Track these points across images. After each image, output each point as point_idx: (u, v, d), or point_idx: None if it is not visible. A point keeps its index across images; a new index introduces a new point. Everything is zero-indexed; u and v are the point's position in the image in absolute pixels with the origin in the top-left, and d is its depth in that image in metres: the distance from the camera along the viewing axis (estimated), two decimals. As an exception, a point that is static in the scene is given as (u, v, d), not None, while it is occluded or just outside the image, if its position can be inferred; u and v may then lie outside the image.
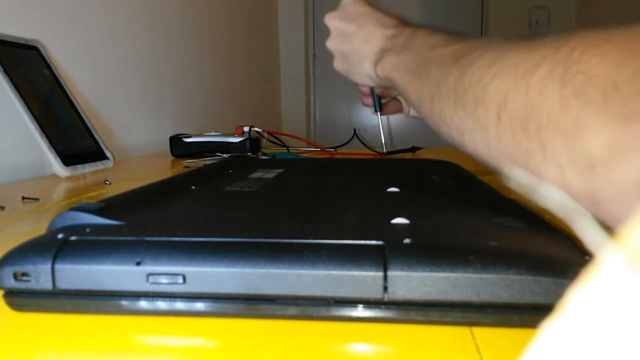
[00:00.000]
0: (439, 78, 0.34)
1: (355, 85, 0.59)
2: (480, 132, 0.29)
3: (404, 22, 0.48)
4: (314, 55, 2.45)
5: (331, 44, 0.54)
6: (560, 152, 0.23)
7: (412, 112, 0.61)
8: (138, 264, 0.21)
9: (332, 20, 0.53)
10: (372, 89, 0.59)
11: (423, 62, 0.38)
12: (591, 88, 0.22)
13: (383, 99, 0.61)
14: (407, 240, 0.21)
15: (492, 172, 0.32)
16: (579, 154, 0.22)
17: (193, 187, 0.37)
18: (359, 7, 0.51)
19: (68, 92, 0.74)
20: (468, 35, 0.38)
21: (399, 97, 0.61)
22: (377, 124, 0.62)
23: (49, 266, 0.21)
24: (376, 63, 0.47)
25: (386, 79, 0.46)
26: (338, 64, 0.55)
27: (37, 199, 0.50)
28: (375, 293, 0.20)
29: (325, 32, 0.55)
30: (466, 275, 0.19)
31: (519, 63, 0.26)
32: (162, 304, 0.21)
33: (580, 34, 0.24)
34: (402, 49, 0.44)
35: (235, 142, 0.85)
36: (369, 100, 0.61)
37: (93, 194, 0.54)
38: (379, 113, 0.60)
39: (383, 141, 0.68)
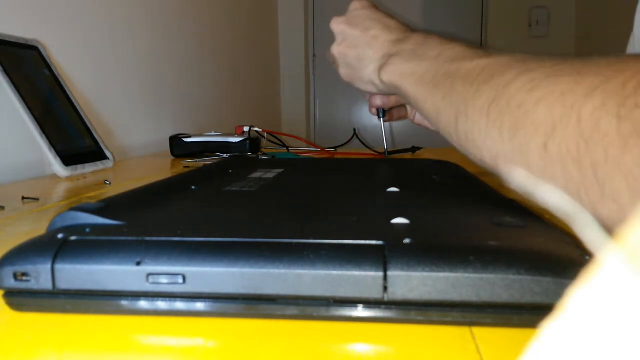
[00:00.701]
0: (465, 96, 0.33)
1: (362, 95, 0.58)
2: (520, 159, 0.27)
3: (411, 28, 0.46)
4: (314, 55, 2.45)
5: (336, 49, 0.53)
6: (622, 192, 0.22)
7: (418, 118, 0.60)
8: (138, 264, 0.21)
9: (338, 25, 0.52)
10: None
11: (443, 75, 0.37)
12: None
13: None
14: (407, 240, 0.21)
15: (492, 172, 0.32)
16: (628, 233, 0.21)
17: (193, 187, 0.37)
18: (366, 12, 0.50)
19: (68, 92, 0.74)
20: (485, 47, 0.38)
21: (405, 105, 0.61)
22: (377, 124, 0.62)
23: (49, 266, 0.21)
24: (380, 68, 0.46)
25: (392, 85, 0.44)
26: (342, 71, 0.53)
27: (37, 199, 0.50)
28: (375, 293, 0.20)
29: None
30: (466, 275, 0.19)
31: (566, 92, 0.25)
32: (162, 304, 0.21)
33: (631, 62, 0.23)
34: (412, 56, 0.42)
35: (235, 142, 0.85)
36: (375, 110, 0.60)
37: (93, 194, 0.54)
38: (382, 120, 0.60)
39: (385, 147, 0.68)
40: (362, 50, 0.49)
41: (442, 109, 0.36)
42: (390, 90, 0.47)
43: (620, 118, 0.22)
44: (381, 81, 0.46)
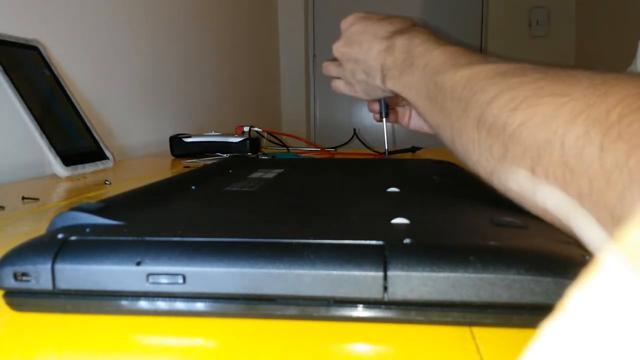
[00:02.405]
0: (455, 111, 0.33)
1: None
2: (512, 178, 0.27)
3: (398, 28, 0.46)
4: (314, 55, 2.45)
5: (346, 69, 0.52)
6: (607, 225, 0.22)
7: (413, 124, 0.59)
8: (138, 264, 0.21)
9: (337, 50, 0.52)
10: None
11: (433, 88, 0.36)
12: (634, 160, 0.20)
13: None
14: (407, 240, 0.21)
15: None
16: (621, 242, 0.21)
17: (193, 187, 0.37)
18: (356, 27, 0.50)
19: (68, 92, 0.74)
20: (467, 48, 0.37)
21: (397, 108, 0.60)
22: (376, 124, 0.62)
23: (49, 266, 0.21)
24: (383, 80, 0.46)
25: (399, 94, 0.45)
26: (358, 89, 0.53)
27: (37, 199, 0.50)
28: (375, 293, 0.20)
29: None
30: (466, 275, 0.19)
31: (548, 116, 0.25)
32: (162, 304, 0.21)
33: (616, 87, 0.23)
34: (404, 67, 0.42)
35: (235, 142, 0.85)
36: (375, 106, 0.60)
37: (93, 194, 0.54)
38: (384, 120, 0.60)
39: (386, 147, 0.68)
40: (366, 64, 0.49)
41: (440, 123, 0.36)
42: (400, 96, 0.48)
43: (603, 149, 0.22)
44: (390, 90, 0.46)
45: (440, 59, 0.37)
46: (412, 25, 0.46)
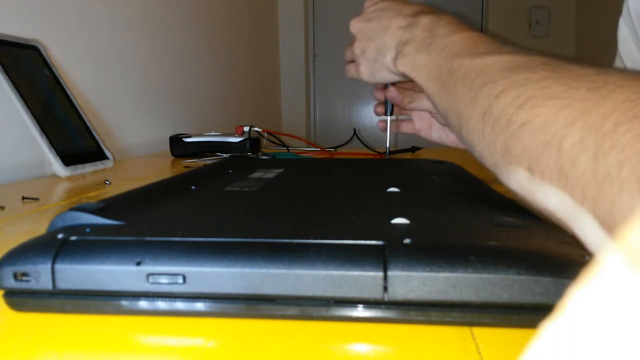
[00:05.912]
0: (465, 101, 0.33)
1: (372, 90, 0.57)
2: (513, 175, 0.27)
3: (425, 10, 0.45)
4: (314, 55, 2.45)
5: (357, 46, 0.52)
6: (603, 229, 0.22)
7: (434, 135, 0.57)
8: (138, 264, 0.21)
9: (355, 25, 0.52)
10: (386, 87, 0.57)
11: (447, 72, 0.36)
12: (625, 171, 0.20)
13: (402, 115, 0.59)
14: (407, 240, 0.21)
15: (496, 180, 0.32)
16: (620, 242, 0.21)
17: (193, 187, 0.37)
18: (379, 5, 0.50)
19: (68, 92, 0.74)
20: (489, 36, 0.37)
21: (414, 118, 0.59)
22: (377, 124, 0.61)
23: (49, 266, 0.21)
24: (395, 57, 0.45)
25: (408, 76, 0.44)
26: (363, 68, 0.52)
27: (37, 199, 0.50)
28: (375, 293, 0.20)
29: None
30: (466, 275, 0.19)
31: (549, 120, 0.25)
32: (162, 304, 0.21)
33: (615, 93, 0.23)
34: (422, 46, 0.41)
35: (235, 142, 0.85)
36: (380, 109, 0.59)
37: (93, 194, 0.54)
38: (389, 118, 0.59)
39: (387, 145, 0.67)
40: (380, 41, 0.48)
41: (450, 108, 0.36)
42: (407, 79, 0.47)
43: (597, 159, 0.22)
44: (398, 70, 0.46)
45: (460, 44, 0.37)
46: (438, 10, 0.45)
